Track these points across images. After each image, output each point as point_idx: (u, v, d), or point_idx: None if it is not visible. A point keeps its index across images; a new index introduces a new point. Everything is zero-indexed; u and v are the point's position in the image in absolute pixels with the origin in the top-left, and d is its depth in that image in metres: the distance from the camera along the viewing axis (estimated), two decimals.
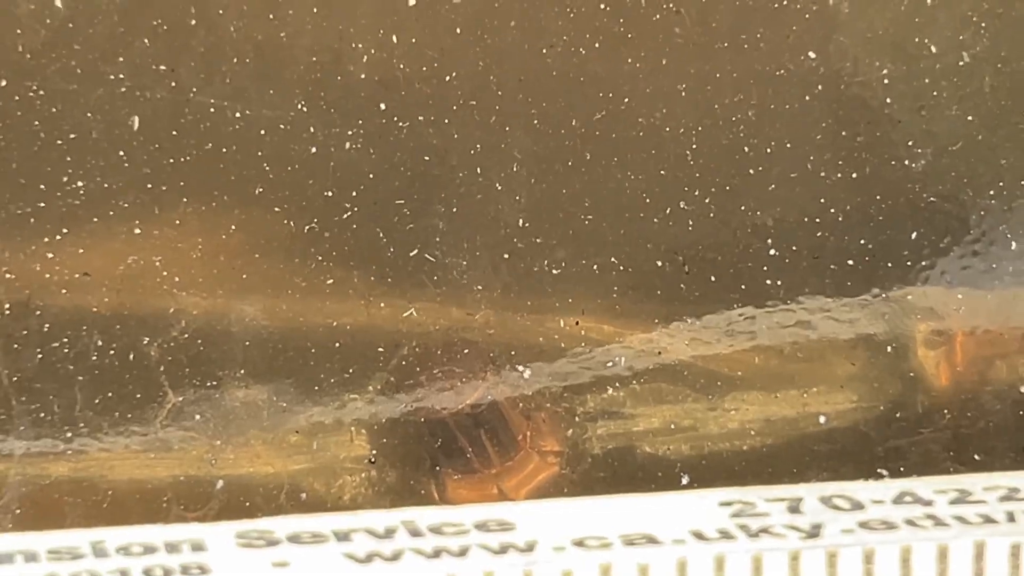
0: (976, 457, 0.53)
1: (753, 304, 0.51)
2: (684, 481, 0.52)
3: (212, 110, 0.45)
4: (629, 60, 0.48)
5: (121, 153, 0.44)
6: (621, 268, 0.50)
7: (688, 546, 0.39)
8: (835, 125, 0.50)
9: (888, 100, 0.50)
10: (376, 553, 0.37)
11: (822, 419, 0.53)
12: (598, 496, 0.43)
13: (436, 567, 0.37)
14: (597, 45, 0.48)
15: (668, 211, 0.49)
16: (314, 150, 0.46)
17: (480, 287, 0.49)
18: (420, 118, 0.47)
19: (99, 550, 0.37)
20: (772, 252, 0.51)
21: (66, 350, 0.46)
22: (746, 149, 0.49)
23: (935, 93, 0.50)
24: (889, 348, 0.53)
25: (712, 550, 0.38)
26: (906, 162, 0.51)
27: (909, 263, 0.52)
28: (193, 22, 0.44)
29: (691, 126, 0.49)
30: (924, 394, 0.53)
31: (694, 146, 0.49)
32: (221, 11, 0.44)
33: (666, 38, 0.48)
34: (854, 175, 0.51)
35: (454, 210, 0.48)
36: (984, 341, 0.54)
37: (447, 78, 0.47)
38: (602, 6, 0.48)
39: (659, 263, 0.50)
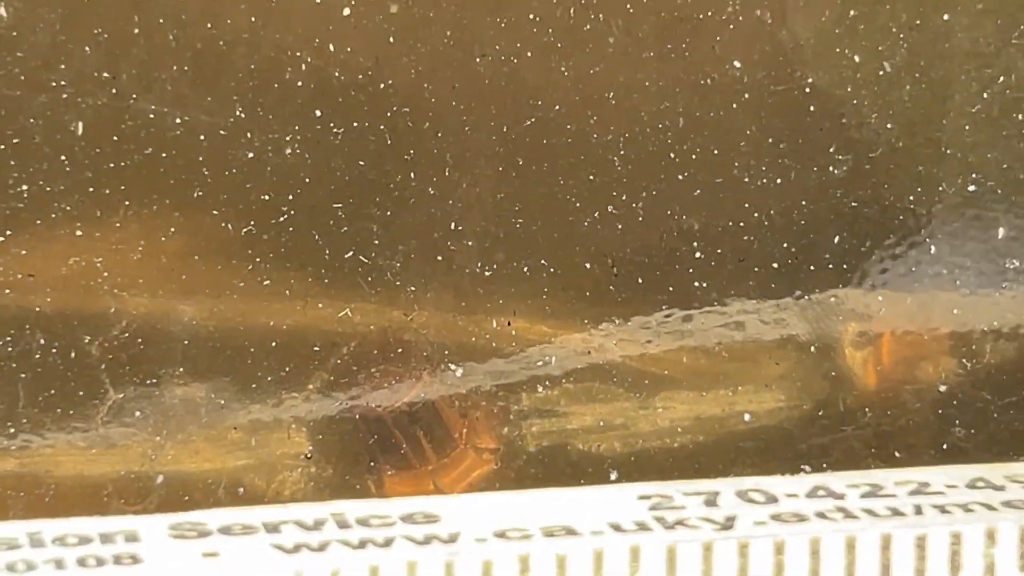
0: (896, 454, 0.54)
1: (680, 306, 0.53)
2: (613, 477, 0.53)
3: (152, 116, 0.46)
4: (559, 69, 0.50)
5: (63, 158, 0.45)
6: (552, 270, 0.51)
7: (605, 537, 0.40)
8: (759, 132, 0.51)
9: (811, 108, 0.52)
10: (304, 544, 0.38)
11: (747, 417, 0.54)
12: (523, 490, 0.44)
13: (361, 557, 0.38)
14: (528, 54, 0.49)
15: (597, 215, 0.51)
16: (251, 155, 0.47)
17: (414, 288, 0.50)
18: (355, 124, 0.48)
19: (36, 540, 0.38)
20: (699, 255, 0.52)
21: (9, 348, 0.47)
22: (673, 155, 0.51)
23: (856, 102, 0.52)
24: (813, 348, 0.54)
25: (628, 541, 0.40)
26: (829, 168, 0.52)
27: (831, 266, 0.53)
28: (135, 31, 0.45)
29: (619, 133, 0.50)
30: (846, 393, 0.54)
31: (622, 152, 0.50)
32: (161, 20, 0.45)
33: (595, 48, 0.50)
34: (778, 181, 0.52)
35: (388, 214, 0.49)
36: (904, 342, 0.55)
37: (382, 86, 0.48)
38: (532, 16, 0.49)
39: (588, 265, 0.51)
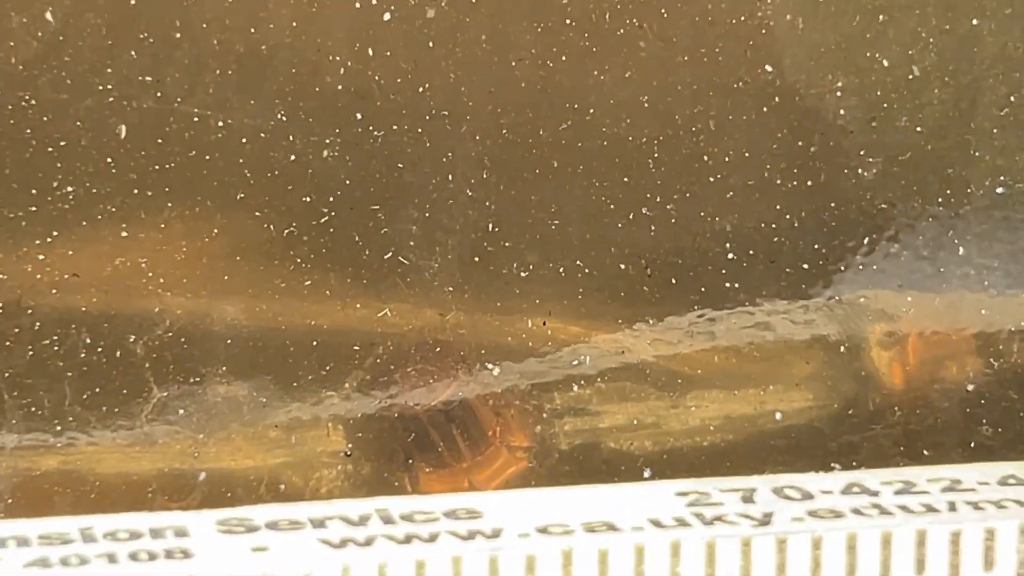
0: (924, 452, 0.55)
1: (712, 306, 0.53)
2: (646, 475, 0.53)
3: (196, 119, 0.46)
4: (594, 73, 0.50)
5: (109, 160, 0.46)
6: (586, 271, 0.51)
7: (646, 533, 0.40)
8: (790, 135, 0.52)
9: (841, 111, 0.52)
10: (350, 539, 0.39)
11: (778, 416, 0.55)
12: (562, 487, 0.45)
13: (407, 552, 0.38)
14: (564, 58, 0.50)
15: (631, 217, 0.51)
16: (293, 157, 0.48)
17: (451, 289, 0.50)
18: (394, 127, 0.48)
19: (87, 535, 0.39)
20: (730, 256, 0.52)
21: (56, 347, 0.47)
22: (705, 158, 0.51)
23: (886, 105, 0.52)
24: (842, 348, 0.55)
25: (668, 537, 0.40)
26: (858, 171, 0.53)
27: (861, 267, 0.54)
28: (178, 35, 0.46)
29: (654, 136, 0.51)
30: (876, 392, 0.55)
31: (656, 155, 0.51)
32: (204, 24, 0.46)
33: (630, 52, 0.50)
34: (809, 183, 0.53)
35: (427, 215, 0.49)
36: (933, 342, 0.56)
37: (420, 89, 0.49)
38: (568, 21, 0.49)
39: (623, 266, 0.52)
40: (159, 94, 0.47)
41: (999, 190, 0.54)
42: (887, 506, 0.43)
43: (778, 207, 0.53)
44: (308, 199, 0.49)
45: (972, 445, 0.55)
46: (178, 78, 0.47)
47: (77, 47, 0.46)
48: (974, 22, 0.52)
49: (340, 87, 0.48)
